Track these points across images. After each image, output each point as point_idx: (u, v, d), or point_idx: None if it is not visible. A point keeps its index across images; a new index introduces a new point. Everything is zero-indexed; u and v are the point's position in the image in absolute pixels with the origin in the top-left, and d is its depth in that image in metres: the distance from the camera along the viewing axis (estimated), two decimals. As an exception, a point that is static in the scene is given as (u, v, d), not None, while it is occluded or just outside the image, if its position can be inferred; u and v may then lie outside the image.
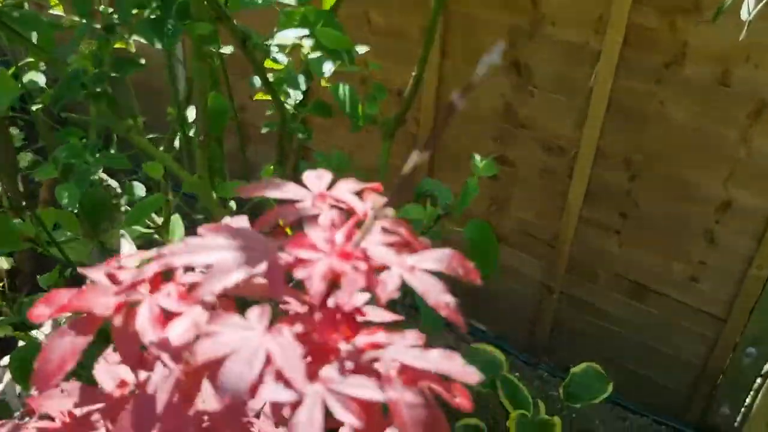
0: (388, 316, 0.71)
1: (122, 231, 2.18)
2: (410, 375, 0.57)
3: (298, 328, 0.55)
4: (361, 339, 0.56)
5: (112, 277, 0.64)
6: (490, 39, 2.41)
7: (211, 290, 0.55)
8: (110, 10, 1.82)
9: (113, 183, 2.17)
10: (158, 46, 1.61)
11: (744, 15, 1.54)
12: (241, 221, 0.69)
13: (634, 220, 2.43)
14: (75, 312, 0.63)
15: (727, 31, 2.00)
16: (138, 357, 0.60)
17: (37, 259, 2.32)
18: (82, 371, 0.70)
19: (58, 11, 2.10)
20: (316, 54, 1.86)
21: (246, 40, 1.71)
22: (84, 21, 1.75)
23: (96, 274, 0.66)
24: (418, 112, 2.66)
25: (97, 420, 0.71)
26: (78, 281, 1.11)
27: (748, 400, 2.53)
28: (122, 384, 0.69)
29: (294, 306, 0.66)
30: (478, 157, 1.98)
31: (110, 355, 0.74)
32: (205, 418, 0.64)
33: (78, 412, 0.69)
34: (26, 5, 2.34)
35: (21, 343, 1.96)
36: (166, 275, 0.64)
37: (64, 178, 1.96)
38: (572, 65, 2.31)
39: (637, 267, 2.51)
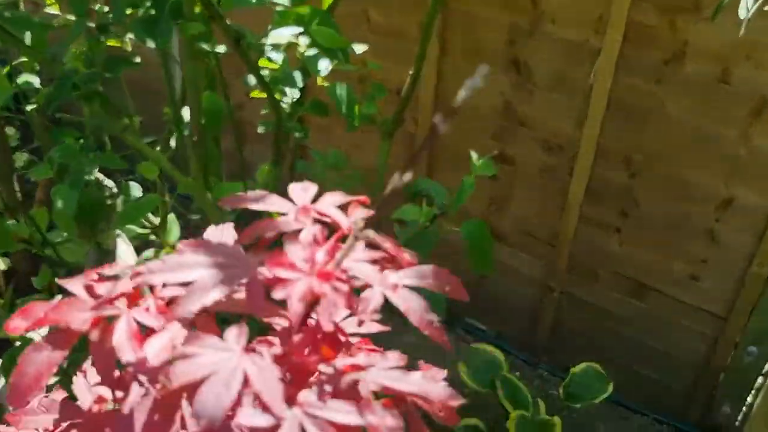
0: (375, 328, 0.70)
1: (118, 231, 2.17)
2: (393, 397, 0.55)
3: (277, 349, 0.54)
4: (341, 361, 0.55)
5: (90, 290, 0.63)
6: (490, 37, 2.40)
7: (189, 309, 0.54)
8: (106, 9, 1.81)
9: (109, 183, 2.16)
10: (151, 45, 1.60)
11: (742, 13, 1.52)
12: (226, 232, 0.67)
13: (634, 218, 2.41)
14: (52, 325, 0.62)
15: (727, 29, 1.98)
16: (115, 374, 0.58)
17: (33, 259, 2.30)
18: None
19: (54, 10, 2.09)
20: (313, 52, 1.84)
21: (239, 40, 1.70)
22: (77, 20, 1.73)
23: (74, 286, 0.64)
24: (416, 112, 2.64)
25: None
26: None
27: (749, 399, 2.51)
28: (100, 400, 0.68)
29: (279, 320, 0.64)
30: (475, 156, 1.96)
31: (90, 368, 0.72)
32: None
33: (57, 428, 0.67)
34: (22, 4, 2.33)
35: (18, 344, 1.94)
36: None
37: (59, 179, 1.95)
38: (572, 63, 2.29)
39: (637, 265, 2.49)
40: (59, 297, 0.71)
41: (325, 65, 1.85)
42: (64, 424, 0.67)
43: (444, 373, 0.64)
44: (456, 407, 0.65)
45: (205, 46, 1.78)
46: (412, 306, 0.57)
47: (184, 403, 0.59)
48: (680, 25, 2.07)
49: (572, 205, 2.48)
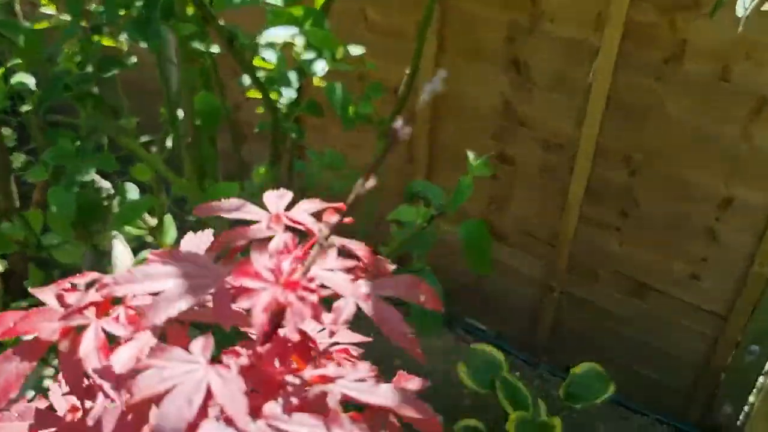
0: (357, 338, 0.69)
1: (115, 232, 2.16)
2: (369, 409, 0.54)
3: (244, 360, 0.53)
4: (309, 372, 0.54)
5: (61, 299, 0.62)
6: (489, 36, 2.38)
7: (155, 320, 0.53)
8: (101, 9, 1.80)
9: (106, 184, 2.15)
10: (144, 45, 1.59)
11: (739, 12, 1.51)
12: (203, 240, 0.66)
13: (634, 218, 2.40)
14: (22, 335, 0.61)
15: (727, 27, 1.96)
16: (84, 384, 0.57)
17: (30, 261, 2.30)
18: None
19: (50, 10, 2.08)
20: (309, 52, 1.84)
21: (233, 40, 1.69)
22: (72, 20, 1.73)
23: (46, 295, 0.63)
24: (414, 111, 2.62)
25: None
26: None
27: (751, 399, 2.50)
28: (74, 409, 0.67)
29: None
30: (472, 156, 1.95)
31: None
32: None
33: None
34: (18, 5, 2.32)
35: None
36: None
37: (54, 181, 1.95)
38: (571, 62, 2.28)
39: (637, 265, 2.48)
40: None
41: (321, 66, 1.84)
42: (38, 434, 0.66)
43: (419, 383, 0.63)
44: (439, 420, 0.64)
45: (200, 47, 1.77)
46: (385, 316, 0.56)
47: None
48: (680, 23, 2.05)
49: (572, 204, 2.47)
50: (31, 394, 1.73)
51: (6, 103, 1.87)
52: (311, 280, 0.54)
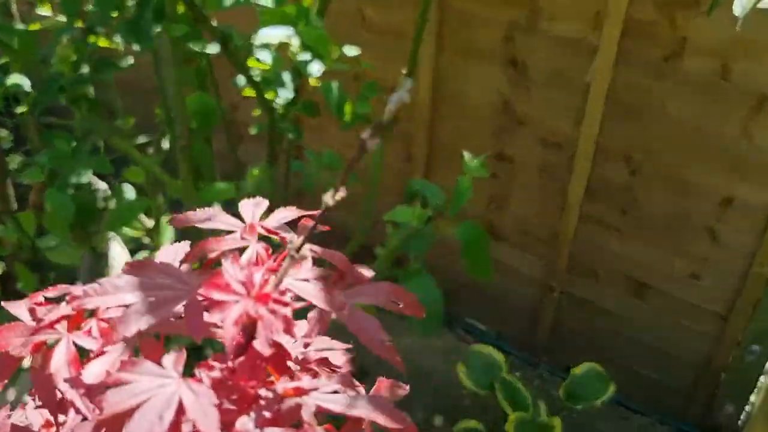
0: (338, 345, 0.68)
1: (112, 234, 2.16)
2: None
3: (217, 373, 0.52)
4: (283, 384, 0.53)
5: (33, 313, 0.61)
6: (487, 34, 2.37)
7: (125, 333, 0.52)
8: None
9: (102, 185, 2.15)
10: (136, 47, 1.58)
11: (737, 11, 1.50)
12: (179, 250, 0.65)
13: (634, 217, 2.39)
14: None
15: (726, 25, 1.95)
16: (56, 400, 0.56)
17: (29, 263, 2.29)
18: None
19: (46, 11, 2.08)
20: (305, 53, 1.83)
21: (226, 41, 1.68)
22: (67, 21, 1.72)
23: (18, 309, 0.62)
24: (413, 110, 2.61)
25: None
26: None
27: (751, 398, 2.48)
28: (48, 424, 0.66)
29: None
30: (468, 156, 1.94)
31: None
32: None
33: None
34: (15, 5, 2.31)
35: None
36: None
37: (51, 182, 1.94)
38: (570, 61, 2.26)
39: (638, 265, 2.46)
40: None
41: (317, 67, 1.83)
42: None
43: (401, 390, 0.62)
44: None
45: (194, 47, 1.76)
46: (362, 326, 0.55)
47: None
48: (679, 21, 2.04)
49: (572, 204, 2.46)
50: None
51: (1, 104, 1.86)
52: (283, 292, 0.53)
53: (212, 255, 0.57)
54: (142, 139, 2.23)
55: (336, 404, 0.52)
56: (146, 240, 2.22)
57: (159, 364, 0.52)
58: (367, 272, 0.59)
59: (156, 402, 0.49)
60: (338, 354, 0.67)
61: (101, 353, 0.56)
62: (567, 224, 2.50)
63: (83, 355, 0.58)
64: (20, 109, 1.96)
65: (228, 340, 0.51)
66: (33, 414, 0.68)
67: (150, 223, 2.23)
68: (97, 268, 2.15)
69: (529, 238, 2.66)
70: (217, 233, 0.64)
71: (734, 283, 2.29)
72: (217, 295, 0.52)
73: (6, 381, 0.57)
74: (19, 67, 1.94)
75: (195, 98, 1.91)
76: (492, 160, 2.53)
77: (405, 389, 0.65)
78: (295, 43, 1.81)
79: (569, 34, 2.23)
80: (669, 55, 2.10)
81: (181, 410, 0.49)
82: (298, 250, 0.52)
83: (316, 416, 0.52)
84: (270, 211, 0.66)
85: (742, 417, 2.52)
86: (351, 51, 1.94)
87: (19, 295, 1.96)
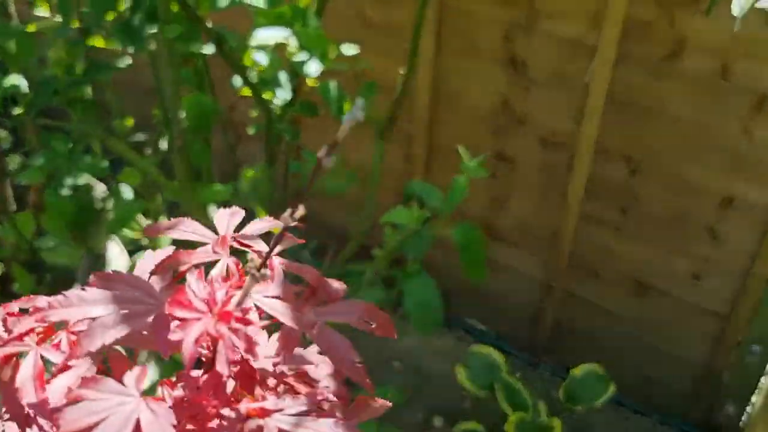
0: (314, 359, 0.67)
1: (112, 235, 2.15)
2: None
3: (179, 392, 0.51)
4: (246, 405, 0.52)
5: (5, 324, 0.60)
6: (487, 34, 2.36)
7: (89, 347, 0.51)
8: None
9: (101, 186, 2.14)
10: (130, 48, 1.58)
11: (735, 11, 1.48)
12: (152, 263, 0.65)
13: (634, 216, 2.38)
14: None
15: (726, 24, 1.93)
16: (24, 414, 0.56)
17: (29, 264, 2.29)
18: None
19: (43, 11, 2.07)
20: (302, 53, 1.82)
21: (222, 43, 1.67)
22: (63, 21, 1.72)
23: (-10, 321, 0.62)
24: (412, 110, 2.60)
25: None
26: (66, 285, 1.07)
27: (753, 399, 2.47)
28: (20, 437, 0.66)
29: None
30: (466, 156, 1.93)
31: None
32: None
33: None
34: (13, 5, 2.31)
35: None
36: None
37: (49, 183, 1.94)
38: (570, 60, 2.25)
39: (638, 264, 2.45)
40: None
41: (314, 68, 1.82)
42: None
43: (378, 408, 0.61)
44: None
45: (190, 48, 1.76)
46: (333, 345, 0.54)
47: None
48: (679, 20, 2.03)
49: (572, 203, 2.45)
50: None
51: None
52: (246, 311, 0.52)
53: (183, 268, 0.56)
54: (139, 137, 2.22)
55: (296, 427, 0.51)
56: (145, 241, 2.22)
57: (120, 382, 0.51)
58: (340, 287, 0.58)
59: (114, 420, 0.49)
60: (324, 366, 0.66)
61: (65, 368, 0.56)
62: (567, 224, 2.49)
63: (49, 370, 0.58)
64: (17, 111, 1.96)
65: (186, 359, 0.50)
66: (10, 425, 0.67)
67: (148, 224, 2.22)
68: (95, 269, 2.15)
69: (529, 237, 2.65)
70: (192, 244, 0.63)
71: (735, 283, 2.28)
72: (179, 313, 0.52)
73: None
74: (17, 67, 1.94)
75: (191, 98, 1.90)
76: (492, 160, 2.53)
77: (387, 405, 0.64)
78: (292, 43, 1.80)
79: (569, 34, 2.22)
80: (669, 54, 2.09)
81: (138, 430, 0.48)
82: (260, 268, 0.51)
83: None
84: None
85: (743, 417, 2.51)
86: (350, 50, 1.93)
87: (15, 297, 1.96)
